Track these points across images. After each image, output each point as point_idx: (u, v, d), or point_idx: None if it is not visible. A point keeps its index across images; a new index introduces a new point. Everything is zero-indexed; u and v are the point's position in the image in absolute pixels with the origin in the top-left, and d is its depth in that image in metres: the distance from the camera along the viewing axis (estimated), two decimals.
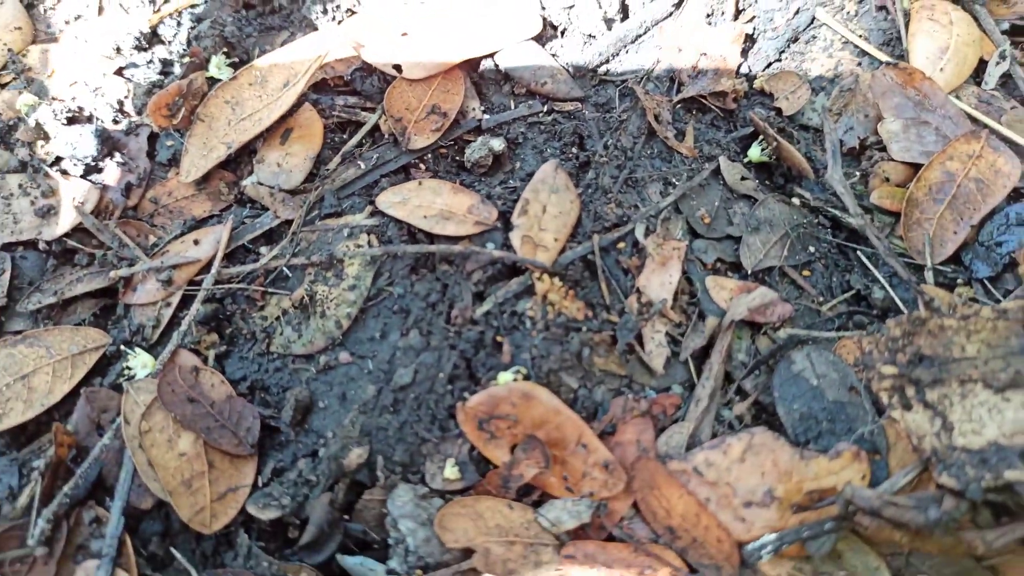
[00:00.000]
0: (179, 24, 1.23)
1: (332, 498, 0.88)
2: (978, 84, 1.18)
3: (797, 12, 1.21)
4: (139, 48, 1.20)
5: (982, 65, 1.19)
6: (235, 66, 1.19)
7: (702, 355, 0.97)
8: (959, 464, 0.82)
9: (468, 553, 0.85)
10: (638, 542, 0.86)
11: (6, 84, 1.20)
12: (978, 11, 1.21)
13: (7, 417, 0.96)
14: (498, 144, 1.08)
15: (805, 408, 0.91)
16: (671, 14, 1.22)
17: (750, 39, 1.22)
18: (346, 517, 0.90)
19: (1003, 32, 1.22)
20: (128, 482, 0.91)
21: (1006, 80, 1.20)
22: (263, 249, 1.05)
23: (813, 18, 1.21)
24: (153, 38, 1.22)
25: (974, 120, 1.11)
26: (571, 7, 1.18)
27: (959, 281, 1.02)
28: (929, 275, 1.01)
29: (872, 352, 0.90)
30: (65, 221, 1.07)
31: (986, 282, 1.02)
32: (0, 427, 0.95)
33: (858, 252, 1.06)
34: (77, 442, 0.95)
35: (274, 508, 0.88)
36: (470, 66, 1.16)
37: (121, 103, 1.16)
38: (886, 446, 0.88)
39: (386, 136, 1.11)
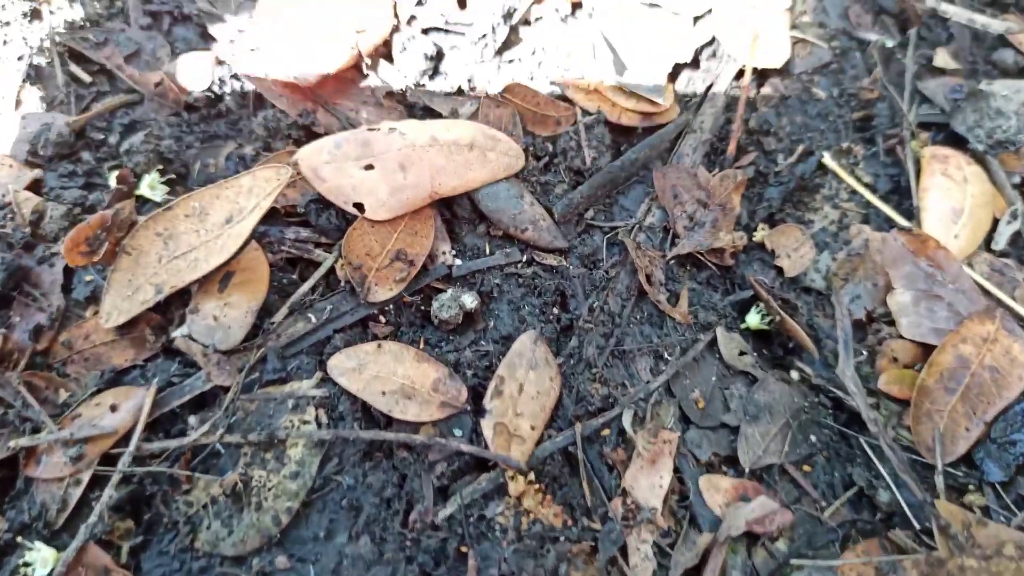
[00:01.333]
0: (109, 128, 1.07)
1: None
2: (988, 245, 1.09)
3: (801, 156, 1.11)
4: (60, 156, 1.04)
5: (994, 224, 1.11)
6: (171, 183, 1.04)
7: (693, 572, 0.85)
8: None
9: None
10: None
11: None
12: (991, 163, 1.13)
13: None
14: (470, 301, 0.96)
15: None
16: (671, 143, 1.10)
17: (751, 184, 1.11)
18: None
19: (1014, 187, 1.13)
20: None
21: (1016, 239, 1.11)
22: (192, 419, 0.91)
23: (819, 164, 1.10)
24: (77, 141, 1.06)
25: (987, 294, 1.02)
26: (555, 138, 1.05)
27: (970, 487, 0.92)
28: (939, 480, 0.91)
29: None
30: None
31: (998, 487, 0.92)
32: None
33: (861, 440, 0.96)
34: None
35: None
36: (442, 203, 1.03)
37: (35, 224, 1.00)
38: None
39: (342, 283, 0.98)
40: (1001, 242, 1.12)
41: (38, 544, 0.87)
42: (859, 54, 1.21)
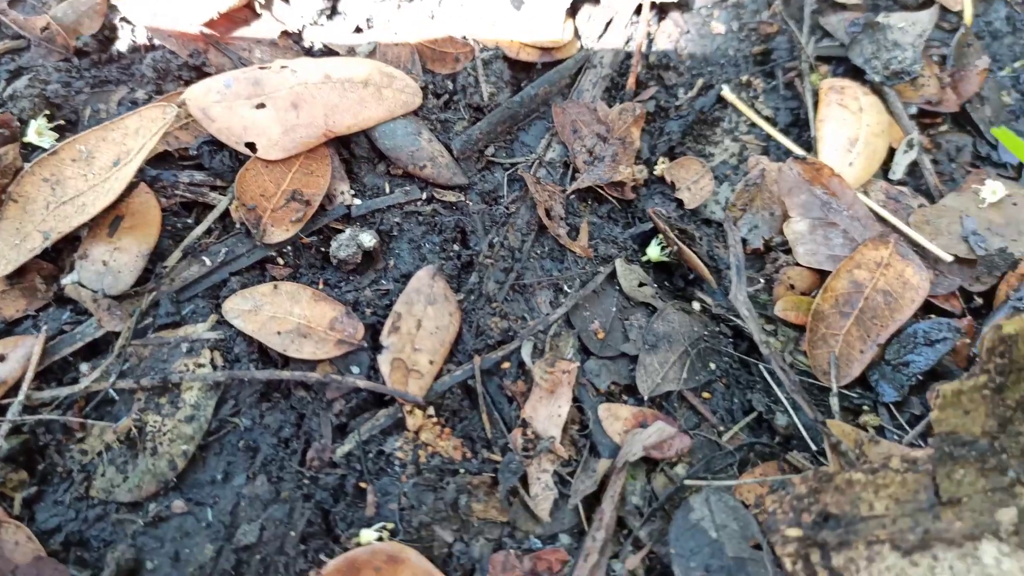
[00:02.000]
0: None
1: None
2: (885, 174, 1.09)
3: (701, 90, 1.08)
4: None
5: (891, 154, 1.10)
6: (60, 130, 0.98)
7: (592, 498, 0.84)
8: None
9: None
10: None
11: None
12: (888, 94, 1.12)
13: None
14: (368, 239, 0.92)
15: (703, 567, 0.79)
16: (570, 78, 1.07)
17: (651, 118, 1.08)
18: None
19: (911, 117, 1.13)
20: None
21: (913, 168, 1.11)
22: (84, 366, 0.86)
23: (718, 97, 1.08)
24: None
25: (882, 220, 1.01)
26: (454, 75, 1.01)
27: (865, 407, 0.92)
28: (834, 401, 0.91)
29: (776, 512, 0.79)
30: None
31: (892, 407, 0.92)
32: None
33: (760, 367, 0.95)
34: None
35: None
36: (339, 142, 0.98)
37: None
38: None
39: (238, 225, 0.93)
40: (898, 172, 1.11)
41: None
42: None
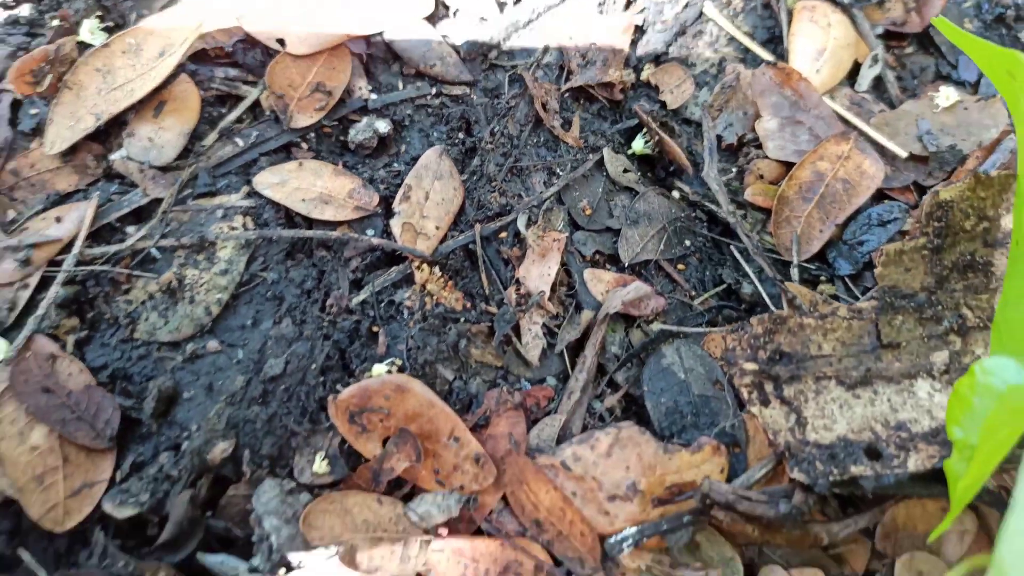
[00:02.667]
0: None
1: (194, 494, 0.80)
2: (852, 86, 1.16)
3: (686, 5, 1.16)
4: (3, 6, 1.05)
5: (857, 68, 1.17)
6: (109, 31, 1.06)
7: (577, 347, 0.92)
8: (810, 459, 0.80)
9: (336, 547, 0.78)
10: (506, 536, 0.81)
11: None
12: (856, 15, 1.18)
13: None
14: (383, 126, 1.00)
15: (672, 402, 0.87)
16: (563, 0, 1.14)
17: (640, 30, 1.15)
18: (208, 513, 0.82)
19: (877, 36, 1.19)
20: None
21: (878, 83, 1.17)
22: (130, 229, 0.94)
23: (701, 13, 1.15)
24: None
25: (845, 122, 1.08)
26: None
27: (822, 278, 1.00)
28: (795, 272, 0.98)
29: (735, 349, 0.87)
30: None
31: (847, 280, 1.00)
32: None
33: (731, 247, 1.03)
34: None
35: (131, 505, 0.80)
36: (358, 43, 1.06)
37: None
38: (745, 440, 0.85)
39: (267, 113, 1.01)
40: (863, 84, 1.17)
41: None
42: None
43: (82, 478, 0.82)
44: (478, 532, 0.83)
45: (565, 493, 0.81)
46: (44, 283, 0.91)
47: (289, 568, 0.78)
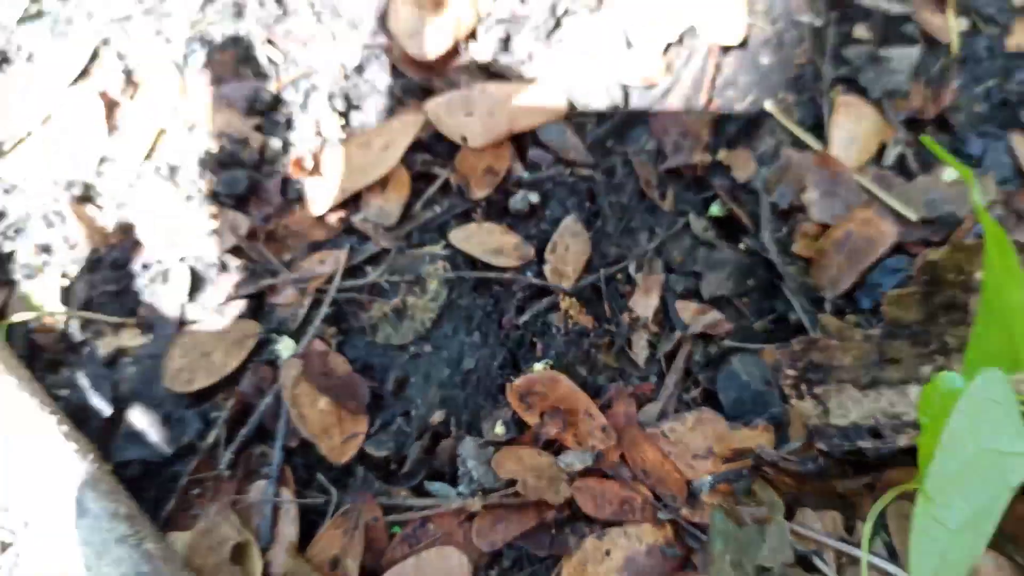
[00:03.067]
0: (297, 91, 1.53)
1: (422, 444, 1.23)
2: (879, 162, 1.51)
3: (751, 104, 1.53)
4: (270, 108, 1.51)
5: (883, 148, 1.52)
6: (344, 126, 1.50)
7: (671, 356, 1.32)
8: (830, 436, 1.17)
9: (513, 482, 1.20)
10: (623, 479, 1.21)
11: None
12: (885, 106, 1.54)
13: (195, 382, 1.29)
14: (534, 197, 1.41)
15: (736, 395, 1.26)
16: (663, 96, 1.54)
17: (716, 123, 1.54)
18: (431, 456, 1.25)
19: (901, 122, 1.54)
20: (284, 428, 1.25)
21: (901, 159, 1.53)
22: (368, 268, 1.38)
23: (762, 109, 1.53)
24: (278, 102, 1.53)
25: (870, 193, 1.45)
26: (588, 93, 1.49)
27: (848, 311, 1.36)
28: (828, 306, 1.35)
29: (781, 359, 1.25)
30: (227, 241, 1.39)
31: (868, 312, 1.36)
32: (191, 389, 1.29)
33: (782, 287, 1.40)
34: (245, 400, 1.29)
35: (383, 449, 1.23)
36: (516, 138, 1.48)
37: (261, 152, 1.47)
38: (787, 422, 1.23)
39: (454, 188, 1.44)
40: (889, 160, 1.52)
41: (284, 337, 1.36)
42: (795, 31, 1.61)
43: (350, 430, 1.25)
44: (604, 476, 1.23)
45: (663, 452, 1.21)
46: (315, 304, 1.36)
47: (484, 492, 1.20)
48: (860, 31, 1.65)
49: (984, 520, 0.86)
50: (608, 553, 1.16)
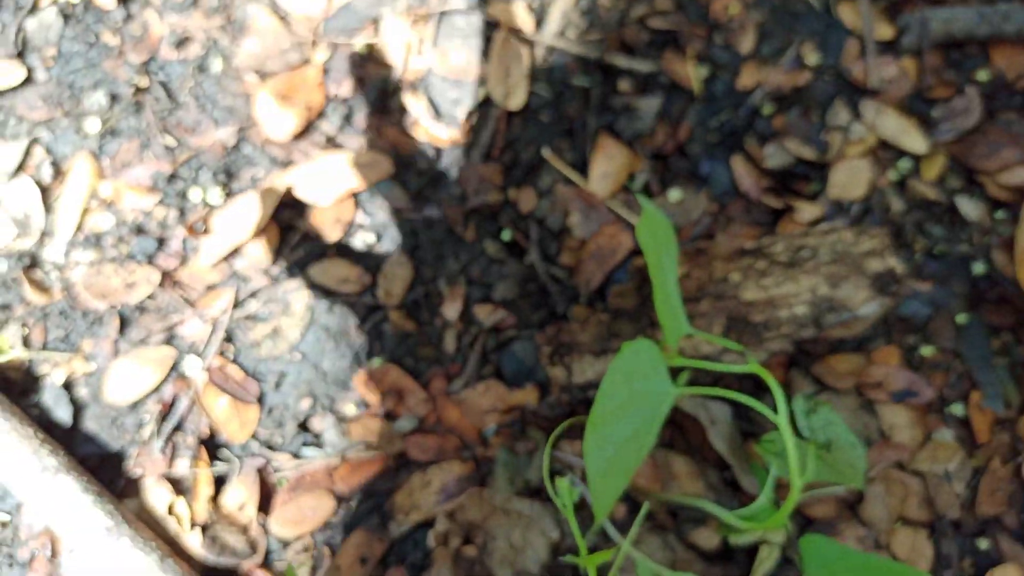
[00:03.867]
0: (189, 168, 2.14)
1: (296, 422, 1.87)
2: (627, 189, 2.18)
3: (533, 152, 2.19)
4: (168, 184, 2.11)
5: (632, 176, 2.19)
6: (226, 194, 2.12)
7: (471, 344, 1.97)
8: (572, 389, 1.85)
9: (362, 443, 1.85)
10: (438, 433, 1.87)
11: None
12: (635, 144, 2.20)
13: (130, 394, 1.90)
14: (370, 238, 2.05)
15: (515, 369, 1.92)
16: (465, 153, 2.18)
17: (506, 169, 2.19)
18: (304, 430, 1.89)
19: (647, 156, 2.21)
20: (197, 420, 1.88)
21: (647, 184, 2.19)
22: (251, 300, 2.00)
23: (541, 157, 2.19)
24: (174, 178, 2.13)
25: (616, 214, 2.11)
26: (409, 154, 2.13)
27: (597, 303, 2.03)
28: (583, 299, 2.02)
29: (541, 341, 1.92)
30: (144, 291, 2.00)
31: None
32: (128, 400, 1.90)
33: (549, 288, 2.07)
34: (167, 404, 1.91)
35: (270, 427, 1.87)
36: (355, 193, 2.11)
37: (164, 220, 2.08)
38: (547, 384, 1.90)
39: (312, 235, 2.07)
40: (637, 185, 2.20)
41: (192, 356, 1.97)
42: (569, 92, 2.27)
43: (246, 418, 1.88)
44: (425, 432, 1.88)
45: (463, 411, 1.87)
46: (214, 330, 1.98)
47: (343, 452, 1.84)
48: (623, 85, 2.31)
49: (644, 435, 1.08)
50: (429, 483, 1.82)
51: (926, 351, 1.97)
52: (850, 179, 2.12)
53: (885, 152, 2.15)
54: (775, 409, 1.17)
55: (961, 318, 2.00)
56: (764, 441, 1.35)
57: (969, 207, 2.09)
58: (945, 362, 1.96)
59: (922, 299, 2.01)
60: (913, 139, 2.15)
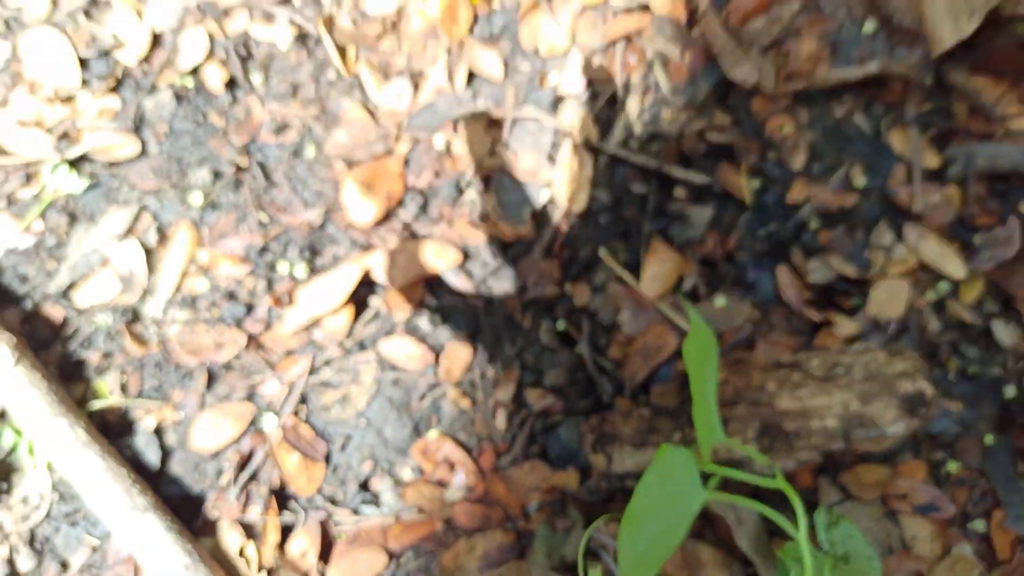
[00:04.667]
0: (278, 243, 2.53)
1: (358, 482, 2.19)
2: (676, 292, 2.50)
3: (590, 250, 2.53)
4: (259, 256, 2.50)
5: (682, 280, 2.51)
6: (310, 269, 2.50)
7: (520, 425, 2.29)
8: (611, 478, 2.13)
9: (415, 507, 2.16)
10: (485, 504, 2.17)
11: None
12: (686, 250, 2.53)
13: (213, 443, 2.25)
14: (436, 319, 2.40)
15: (559, 452, 2.22)
16: (528, 249, 2.54)
17: (564, 265, 2.53)
18: (364, 490, 2.21)
19: (696, 261, 2.53)
20: (269, 472, 2.21)
21: (695, 288, 2.51)
22: (325, 368, 2.35)
23: (597, 255, 2.52)
24: (265, 251, 2.52)
25: (664, 315, 2.43)
26: (477, 248, 2.49)
27: (641, 396, 2.33)
28: (627, 392, 2.32)
29: (585, 429, 2.22)
30: (231, 351, 2.37)
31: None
32: (210, 448, 2.25)
33: (597, 379, 2.37)
34: (245, 455, 2.25)
35: (333, 485, 2.19)
36: (426, 278, 2.47)
37: (253, 289, 2.46)
38: (588, 469, 2.19)
39: (384, 313, 2.42)
40: (686, 288, 2.51)
41: (269, 413, 2.32)
42: (627, 197, 2.62)
43: (312, 474, 2.21)
44: (473, 502, 2.18)
45: (509, 487, 2.17)
46: (290, 392, 2.33)
47: (397, 513, 2.15)
48: (678, 193, 2.65)
49: (673, 533, 1.16)
50: (473, 549, 2.12)
51: (952, 467, 2.18)
52: (890, 298, 2.39)
53: (925, 274, 2.40)
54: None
55: (989, 439, 2.21)
56: (787, 547, 1.61)
57: (1004, 332, 2.33)
58: (970, 479, 2.18)
59: (952, 418, 2.24)
60: (953, 264, 2.40)
